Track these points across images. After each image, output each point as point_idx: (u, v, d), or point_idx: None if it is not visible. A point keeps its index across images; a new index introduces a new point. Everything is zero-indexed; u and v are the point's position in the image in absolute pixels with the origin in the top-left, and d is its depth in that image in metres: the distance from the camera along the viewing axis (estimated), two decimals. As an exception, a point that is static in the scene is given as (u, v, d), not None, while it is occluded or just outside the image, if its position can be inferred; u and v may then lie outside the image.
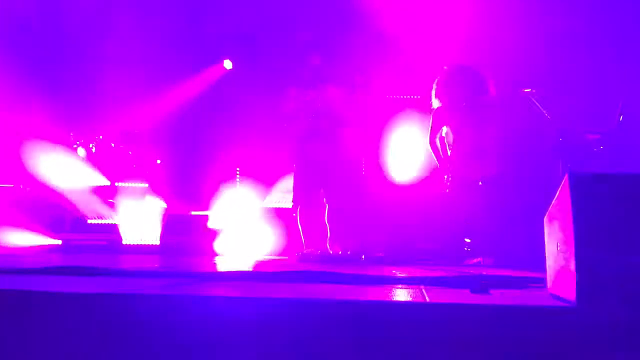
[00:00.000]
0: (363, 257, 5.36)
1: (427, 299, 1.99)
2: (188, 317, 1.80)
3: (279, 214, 7.53)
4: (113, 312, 1.84)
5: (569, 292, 1.89)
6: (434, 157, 6.18)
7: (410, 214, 8.58)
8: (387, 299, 1.98)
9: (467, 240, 5.92)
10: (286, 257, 6.42)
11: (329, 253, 5.73)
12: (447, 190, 6.04)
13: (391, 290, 2.33)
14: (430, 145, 6.21)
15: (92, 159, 7.99)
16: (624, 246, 1.83)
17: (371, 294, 2.18)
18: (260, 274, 2.79)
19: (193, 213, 7.66)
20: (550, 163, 6.14)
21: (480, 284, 2.39)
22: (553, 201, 2.10)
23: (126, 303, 1.85)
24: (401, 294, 2.17)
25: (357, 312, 1.83)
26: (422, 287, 2.42)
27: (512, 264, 5.48)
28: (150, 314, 1.81)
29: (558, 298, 2.01)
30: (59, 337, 1.82)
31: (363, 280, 2.56)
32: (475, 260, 5.69)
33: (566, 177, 1.90)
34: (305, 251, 5.73)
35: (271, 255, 7.04)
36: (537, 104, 5.85)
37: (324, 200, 5.86)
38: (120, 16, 8.49)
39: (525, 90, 5.83)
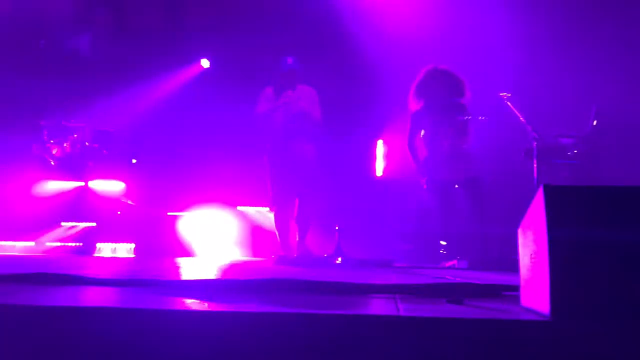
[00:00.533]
0: (339, 259, 5.31)
1: (400, 311, 1.94)
2: (147, 334, 1.72)
3: (256, 215, 7.48)
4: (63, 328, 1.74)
5: (543, 305, 1.85)
6: (412, 159, 6.17)
7: (388, 214, 8.60)
8: (357, 312, 1.92)
9: (443, 242, 5.92)
10: (263, 259, 6.36)
11: (305, 255, 5.68)
12: (424, 192, 6.04)
13: (364, 300, 2.27)
14: (408, 147, 6.20)
15: (66, 158, 7.85)
16: (599, 259, 1.80)
17: (341, 304, 2.12)
18: (226, 282, 2.71)
19: (170, 214, 7.55)
20: (525, 166, 6.16)
21: (456, 294, 2.36)
22: (527, 211, 2.07)
23: (77, 318, 1.76)
24: (374, 305, 2.12)
25: (325, 326, 1.77)
26: (396, 296, 2.37)
27: (487, 265, 5.49)
28: (108, 330, 1.73)
29: (532, 311, 1.97)
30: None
31: (334, 289, 2.50)
32: (450, 263, 5.68)
33: (541, 188, 1.86)
34: (281, 254, 5.68)
35: (248, 256, 6.98)
36: (512, 107, 5.85)
37: (300, 200, 5.83)
38: (98, 12, 8.37)
39: (501, 93, 5.84)
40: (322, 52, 8.02)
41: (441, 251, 5.97)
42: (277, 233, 5.90)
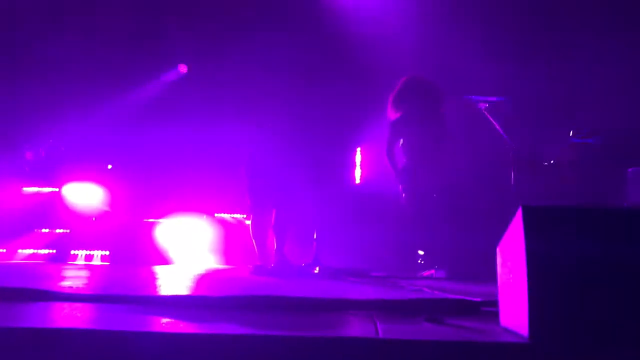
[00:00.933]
0: (317, 269, 5.27)
1: (379, 333, 1.91)
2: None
3: (234, 223, 7.42)
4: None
5: (522, 326, 1.84)
6: (391, 167, 6.17)
7: (366, 223, 8.59)
8: (337, 334, 1.89)
9: (421, 252, 5.92)
10: (240, 267, 6.29)
11: (282, 265, 5.62)
12: (403, 200, 6.03)
13: (342, 318, 2.24)
14: (387, 156, 6.19)
15: (41, 163, 7.72)
16: (577, 281, 1.79)
17: (320, 324, 2.08)
18: (202, 299, 2.65)
19: (146, 220, 7.45)
20: (503, 176, 6.20)
21: (434, 311, 2.34)
22: (506, 231, 2.05)
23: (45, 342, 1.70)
24: (353, 325, 2.09)
25: (303, 349, 1.74)
26: (374, 314, 2.33)
27: (465, 275, 5.50)
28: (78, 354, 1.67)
29: (511, 332, 1.95)
30: None
31: (312, 306, 2.46)
32: (428, 273, 5.68)
33: (520, 209, 1.85)
34: (258, 263, 5.61)
35: (225, 264, 6.90)
36: (489, 117, 5.89)
37: (277, 208, 5.76)
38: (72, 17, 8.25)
39: (480, 104, 5.88)
40: (301, 56, 8.02)
41: (419, 260, 5.96)
42: (254, 242, 5.83)
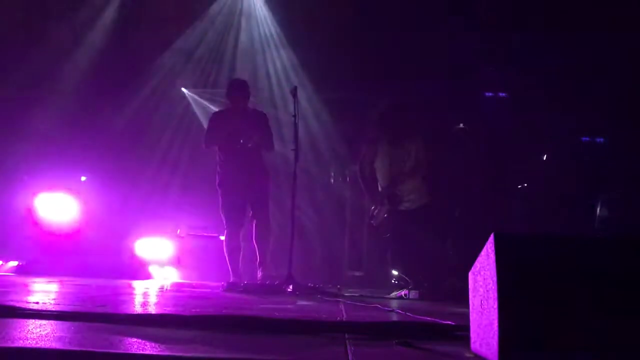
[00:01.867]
0: (290, 287, 5.24)
1: (349, 358, 1.89)
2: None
3: (209, 239, 7.36)
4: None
5: (492, 353, 1.84)
6: (364, 188, 6.17)
7: (340, 241, 8.59)
8: (304, 359, 1.87)
9: (395, 272, 5.92)
10: (213, 284, 6.23)
11: (255, 283, 5.58)
12: (373, 222, 6.03)
13: (311, 341, 2.22)
14: (360, 176, 6.20)
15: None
16: (548, 308, 1.80)
17: (292, 348, 2.06)
18: (174, 317, 2.61)
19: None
20: (478, 199, 6.25)
21: (406, 335, 2.34)
22: (478, 257, 2.06)
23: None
24: (322, 348, 2.07)
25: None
26: (345, 336, 2.32)
27: (438, 295, 5.50)
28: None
29: (481, 358, 1.95)
30: None
31: (280, 327, 2.44)
32: (400, 293, 5.67)
33: (492, 237, 1.86)
34: (231, 280, 5.57)
35: (202, 281, 6.82)
36: (466, 139, 5.95)
37: (257, 225, 5.74)
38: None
39: (457, 127, 5.95)
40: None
41: (393, 280, 5.96)
42: (227, 259, 5.79)
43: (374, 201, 6.05)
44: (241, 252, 5.78)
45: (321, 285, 5.95)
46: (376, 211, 6.01)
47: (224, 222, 5.77)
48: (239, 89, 5.79)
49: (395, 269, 5.92)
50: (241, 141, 5.52)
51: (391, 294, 5.75)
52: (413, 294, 5.58)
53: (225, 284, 5.45)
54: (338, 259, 8.39)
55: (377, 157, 6.05)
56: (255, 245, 5.73)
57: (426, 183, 6.12)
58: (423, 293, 5.58)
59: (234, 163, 5.69)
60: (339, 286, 6.46)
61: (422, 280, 5.88)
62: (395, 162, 5.93)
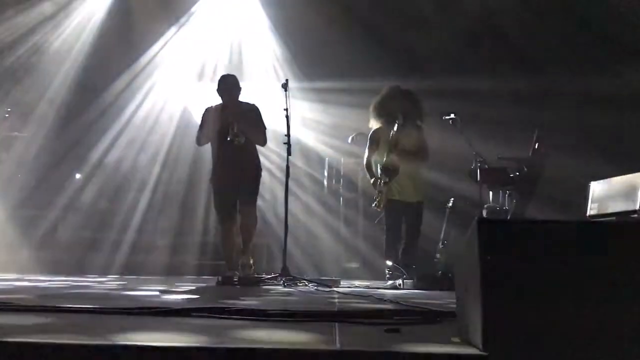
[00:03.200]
0: (285, 279, 5.28)
1: (337, 344, 1.93)
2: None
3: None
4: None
5: (478, 338, 1.87)
6: (369, 177, 6.19)
7: (334, 232, 8.63)
8: (293, 347, 1.89)
9: (388, 262, 5.95)
10: (207, 278, 6.27)
11: (249, 277, 5.61)
12: (377, 209, 6.05)
13: (301, 330, 2.25)
14: (365, 165, 6.24)
15: None
16: (531, 293, 1.83)
17: (275, 336, 2.09)
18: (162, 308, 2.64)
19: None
20: (470, 189, 6.28)
21: (395, 322, 2.37)
22: (463, 244, 2.09)
23: None
24: (311, 336, 2.10)
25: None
26: (335, 324, 2.35)
27: (431, 284, 5.55)
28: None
29: (468, 343, 1.99)
30: None
31: (270, 317, 2.47)
32: (395, 282, 5.72)
33: (475, 222, 1.88)
34: (226, 274, 5.59)
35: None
36: (458, 129, 5.97)
37: (241, 217, 5.76)
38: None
39: (447, 117, 5.95)
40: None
41: (387, 270, 6.00)
42: (223, 253, 5.82)
43: (378, 189, 6.04)
44: (235, 245, 5.81)
45: (316, 277, 5.99)
46: (377, 197, 6.03)
47: (217, 218, 5.80)
48: (229, 84, 5.78)
49: (389, 259, 5.95)
50: (228, 138, 5.49)
51: (385, 284, 5.80)
52: (407, 283, 5.62)
53: (220, 278, 5.49)
54: (334, 251, 8.44)
55: (380, 143, 6.08)
56: (242, 236, 5.74)
57: (422, 181, 6.17)
58: (416, 282, 5.63)
59: (225, 159, 5.67)
60: (334, 278, 6.50)
61: (415, 270, 5.92)
62: (399, 144, 5.98)
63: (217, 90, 5.80)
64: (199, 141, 5.89)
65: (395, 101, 6.04)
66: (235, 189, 5.61)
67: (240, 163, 5.60)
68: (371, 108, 6.24)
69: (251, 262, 5.67)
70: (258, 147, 5.86)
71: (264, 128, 5.78)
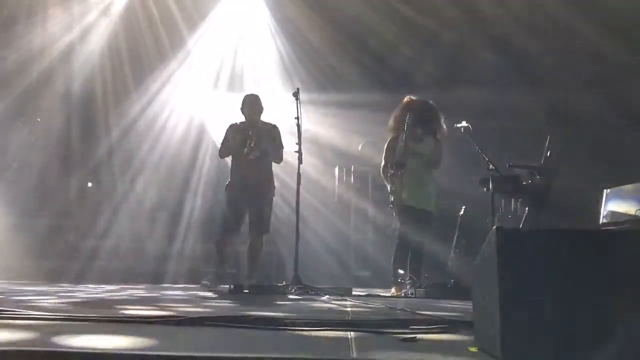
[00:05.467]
0: (294, 289, 5.26)
1: (353, 354, 1.91)
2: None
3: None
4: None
5: (495, 347, 1.85)
6: (387, 185, 6.21)
7: (345, 241, 8.62)
8: (308, 356, 1.88)
9: (401, 271, 5.92)
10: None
11: (261, 285, 5.63)
12: (392, 208, 6.06)
13: (316, 339, 2.23)
14: (383, 174, 6.27)
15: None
16: (549, 302, 1.81)
17: (295, 345, 2.08)
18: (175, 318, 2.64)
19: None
20: (484, 197, 6.24)
21: (410, 331, 2.36)
22: (480, 253, 2.07)
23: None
24: (326, 345, 2.09)
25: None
26: (350, 334, 2.34)
27: (444, 293, 5.51)
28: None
29: (485, 352, 1.97)
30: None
31: (285, 326, 2.46)
32: (407, 291, 5.68)
33: (493, 231, 1.87)
34: (238, 283, 5.61)
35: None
36: (470, 137, 5.94)
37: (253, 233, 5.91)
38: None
39: (457, 125, 5.94)
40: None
41: (399, 280, 5.96)
42: (216, 253, 6.01)
43: (395, 197, 6.06)
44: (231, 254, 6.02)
45: (327, 285, 5.97)
46: (393, 205, 6.05)
47: (222, 223, 5.96)
48: (251, 104, 6.06)
49: (402, 267, 5.92)
50: (245, 150, 5.81)
51: (397, 293, 5.76)
52: (419, 292, 5.59)
53: (231, 286, 5.49)
54: (345, 259, 8.43)
55: (394, 155, 6.11)
56: (247, 258, 5.96)
57: (433, 190, 6.15)
58: (429, 291, 5.59)
59: (241, 172, 5.99)
60: (345, 286, 6.47)
61: (428, 278, 5.89)
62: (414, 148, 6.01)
63: (240, 108, 6.11)
64: (222, 154, 6.21)
65: (410, 112, 6.06)
66: (247, 203, 5.80)
67: (256, 177, 5.90)
68: (390, 119, 6.34)
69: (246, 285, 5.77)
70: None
71: (282, 147, 6.07)
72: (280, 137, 6.07)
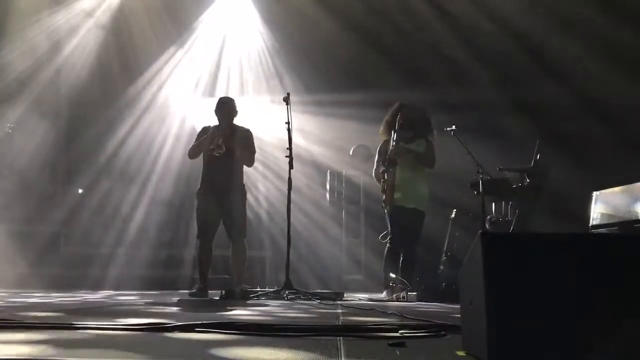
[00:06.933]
0: (286, 293, 5.27)
1: (341, 358, 1.92)
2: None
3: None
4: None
5: (482, 352, 1.85)
6: (379, 186, 6.23)
7: (337, 244, 8.63)
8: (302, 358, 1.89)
9: (392, 275, 5.93)
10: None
11: (252, 290, 5.63)
12: (385, 210, 6.08)
13: (304, 343, 2.24)
14: (375, 176, 6.33)
15: None
16: (536, 307, 1.81)
17: (278, 350, 2.08)
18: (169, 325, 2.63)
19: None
20: (472, 201, 6.27)
21: (399, 337, 2.36)
22: (467, 257, 2.08)
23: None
24: (314, 350, 2.09)
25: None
26: (338, 338, 2.34)
27: (436, 296, 5.53)
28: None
29: (472, 357, 1.97)
30: None
31: (273, 331, 2.46)
32: (398, 294, 5.69)
33: (479, 235, 1.87)
34: (229, 288, 5.61)
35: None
36: (459, 141, 5.98)
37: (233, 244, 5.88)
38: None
39: (449, 128, 5.98)
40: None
41: (391, 283, 5.97)
42: (198, 267, 5.95)
43: (386, 199, 6.09)
44: (211, 260, 5.95)
45: (319, 290, 5.98)
46: (384, 198, 6.10)
47: (197, 230, 5.91)
48: (225, 107, 6.01)
49: (392, 271, 5.94)
50: (210, 147, 5.74)
51: (389, 297, 5.77)
52: (411, 296, 5.60)
53: (222, 292, 5.50)
54: (336, 263, 8.44)
55: (387, 152, 6.16)
56: (232, 265, 5.95)
57: (423, 190, 6.17)
58: (419, 295, 5.61)
59: (210, 176, 5.91)
60: (337, 290, 6.48)
61: (419, 282, 5.91)
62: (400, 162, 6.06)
63: (214, 110, 6.03)
64: (191, 154, 6.09)
65: (400, 115, 6.13)
66: (218, 207, 5.76)
67: (226, 181, 5.81)
68: (383, 122, 6.42)
69: (245, 287, 5.72)
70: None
71: (253, 151, 5.99)
72: (252, 142, 6.00)
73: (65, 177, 8.81)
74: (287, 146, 5.76)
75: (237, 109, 6.06)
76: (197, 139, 6.06)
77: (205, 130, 6.05)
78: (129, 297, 5.88)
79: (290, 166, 5.73)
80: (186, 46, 9.28)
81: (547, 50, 7.64)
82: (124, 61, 8.91)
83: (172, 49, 9.20)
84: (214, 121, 6.05)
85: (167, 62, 9.20)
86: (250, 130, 6.08)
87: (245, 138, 5.96)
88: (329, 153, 8.85)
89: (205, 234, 5.84)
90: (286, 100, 5.73)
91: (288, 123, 5.72)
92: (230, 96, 6.43)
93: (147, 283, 7.71)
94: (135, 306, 4.45)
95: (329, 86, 8.58)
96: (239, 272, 5.82)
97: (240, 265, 5.83)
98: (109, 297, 5.86)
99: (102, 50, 8.91)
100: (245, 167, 6.01)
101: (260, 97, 8.91)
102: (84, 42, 8.79)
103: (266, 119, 6.73)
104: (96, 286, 7.40)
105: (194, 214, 5.94)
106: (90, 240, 8.34)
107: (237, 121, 6.05)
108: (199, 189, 5.98)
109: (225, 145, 5.73)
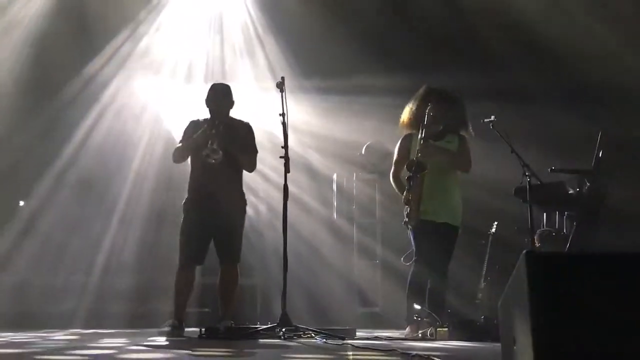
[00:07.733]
0: (283, 330, 5.28)
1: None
2: None
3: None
4: None
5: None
6: (397, 191, 6.17)
7: (347, 267, 8.63)
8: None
9: (417, 306, 5.92)
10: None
11: (240, 327, 5.64)
12: (408, 227, 6.02)
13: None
14: (394, 180, 6.21)
15: None
16: (594, 344, 1.83)
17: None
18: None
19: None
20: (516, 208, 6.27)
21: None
22: (509, 282, 2.11)
23: None
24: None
25: None
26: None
27: (470, 333, 5.55)
28: None
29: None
30: None
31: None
32: (425, 330, 5.71)
33: (523, 255, 1.89)
34: (211, 325, 5.63)
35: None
36: (500, 135, 5.94)
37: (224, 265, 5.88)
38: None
39: (487, 120, 5.91)
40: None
41: (415, 316, 5.98)
42: (174, 296, 5.88)
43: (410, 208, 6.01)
44: (192, 291, 5.93)
45: (324, 326, 5.98)
46: (407, 210, 5.98)
47: (179, 250, 5.82)
48: (218, 95, 5.92)
49: (417, 301, 5.93)
50: (203, 153, 5.58)
51: (413, 334, 5.79)
52: (441, 332, 5.61)
53: (202, 330, 5.50)
54: (346, 292, 8.44)
55: (411, 152, 6.06)
56: (218, 295, 5.86)
57: (457, 200, 6.14)
58: (452, 331, 5.62)
59: (201, 184, 5.82)
60: (348, 327, 6.49)
61: (450, 315, 5.92)
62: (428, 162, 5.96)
63: (205, 100, 5.92)
64: (176, 157, 5.97)
65: (430, 104, 6.00)
66: (210, 224, 5.72)
67: (221, 191, 5.73)
68: (409, 107, 6.25)
69: (231, 324, 5.71)
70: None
71: (255, 151, 5.93)
72: (253, 140, 5.95)
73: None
74: (282, 144, 5.67)
75: (234, 98, 5.98)
76: (183, 137, 5.95)
77: (194, 125, 5.93)
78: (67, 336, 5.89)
79: (287, 169, 5.67)
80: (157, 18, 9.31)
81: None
82: (74, 36, 8.90)
83: (138, 22, 9.22)
84: (197, 113, 6.02)
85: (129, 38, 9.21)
86: (250, 124, 6.02)
87: (243, 133, 5.90)
88: (335, 152, 8.86)
89: (191, 258, 5.78)
90: (280, 86, 5.68)
91: (283, 115, 5.64)
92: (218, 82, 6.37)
93: (114, 319, 7.70)
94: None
95: (334, 67, 8.60)
96: (226, 305, 5.79)
97: (229, 296, 5.80)
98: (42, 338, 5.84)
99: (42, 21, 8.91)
100: (244, 173, 5.99)
101: (244, 83, 8.92)
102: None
103: (253, 109, 6.71)
104: (38, 324, 7.40)
105: (177, 230, 5.89)
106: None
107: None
108: (186, 201, 5.90)
109: (222, 149, 5.57)
